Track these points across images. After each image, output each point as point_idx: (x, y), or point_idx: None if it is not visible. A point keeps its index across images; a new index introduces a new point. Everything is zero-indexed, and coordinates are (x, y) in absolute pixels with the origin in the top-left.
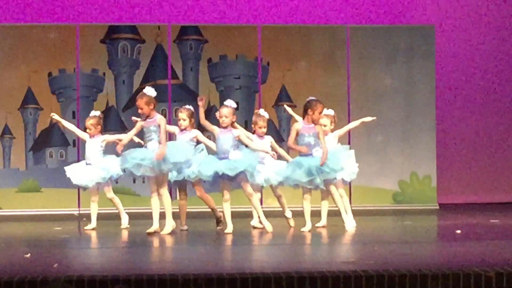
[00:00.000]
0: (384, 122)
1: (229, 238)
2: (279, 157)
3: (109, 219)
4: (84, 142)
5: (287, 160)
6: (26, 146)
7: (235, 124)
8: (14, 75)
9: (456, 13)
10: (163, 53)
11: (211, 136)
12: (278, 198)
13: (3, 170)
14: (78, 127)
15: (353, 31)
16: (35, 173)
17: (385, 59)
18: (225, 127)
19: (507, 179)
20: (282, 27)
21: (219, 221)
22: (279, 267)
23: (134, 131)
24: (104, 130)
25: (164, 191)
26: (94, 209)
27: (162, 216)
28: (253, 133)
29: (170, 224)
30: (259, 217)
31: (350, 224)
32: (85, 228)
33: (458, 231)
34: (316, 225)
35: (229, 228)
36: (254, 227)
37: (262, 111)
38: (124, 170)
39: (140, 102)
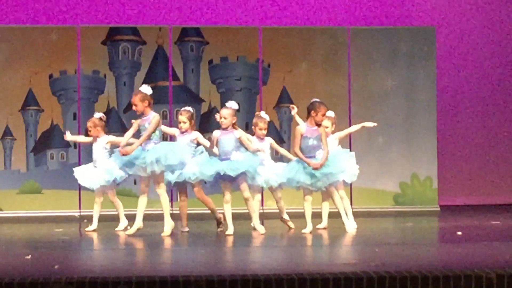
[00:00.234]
0: (385, 124)
1: (230, 240)
2: (280, 158)
3: (110, 221)
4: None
5: (289, 160)
6: (27, 148)
7: (236, 125)
8: (15, 77)
9: (457, 15)
10: (164, 54)
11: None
12: (278, 200)
13: (4, 171)
14: (79, 128)
15: (354, 33)
16: (36, 175)
17: (386, 60)
18: (225, 128)
19: (508, 181)
20: (283, 29)
21: (219, 222)
22: (280, 268)
23: (131, 131)
24: (105, 131)
25: (162, 191)
26: (96, 211)
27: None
28: (253, 135)
29: (169, 224)
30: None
31: (350, 225)
32: (86, 229)
33: (459, 233)
34: (317, 226)
35: (230, 229)
36: (255, 229)
37: (263, 113)
38: (126, 172)
39: (134, 98)
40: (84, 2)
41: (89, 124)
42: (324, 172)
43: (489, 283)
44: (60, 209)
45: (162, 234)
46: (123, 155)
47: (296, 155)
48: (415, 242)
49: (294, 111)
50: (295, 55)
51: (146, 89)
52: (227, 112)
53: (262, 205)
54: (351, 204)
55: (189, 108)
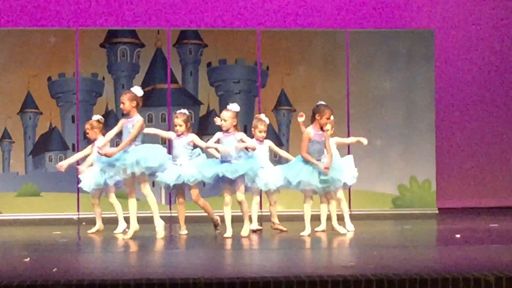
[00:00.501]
0: (384, 126)
1: (228, 242)
2: (279, 160)
3: (109, 223)
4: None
5: (289, 160)
6: (25, 150)
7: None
8: (13, 79)
9: (455, 17)
10: (163, 57)
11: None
12: (272, 204)
13: (3, 174)
14: (77, 130)
15: (353, 36)
16: (34, 178)
17: (384, 63)
18: (226, 131)
19: (507, 184)
20: (282, 32)
21: (216, 224)
22: (278, 271)
23: (115, 130)
24: (104, 134)
25: (148, 191)
26: (96, 212)
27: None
28: (252, 137)
29: (160, 225)
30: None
31: (348, 227)
32: (89, 231)
33: (458, 236)
34: (316, 229)
35: (229, 232)
36: (254, 231)
37: (263, 116)
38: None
39: (123, 97)
40: (82, 5)
41: (87, 126)
42: (334, 177)
43: (487, 286)
44: (59, 212)
45: (157, 237)
46: (103, 155)
47: (305, 158)
48: (413, 245)
49: (301, 119)
50: (294, 58)
51: (137, 90)
52: (228, 114)
53: (260, 207)
54: (349, 206)
55: (185, 111)
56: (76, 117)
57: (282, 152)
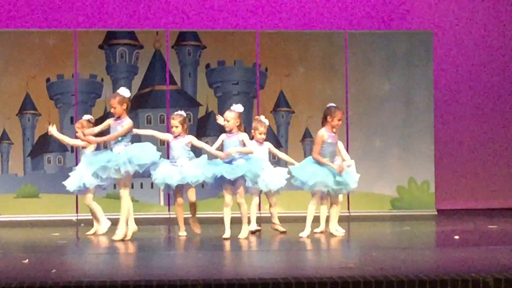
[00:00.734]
0: (383, 127)
1: (227, 244)
2: (278, 162)
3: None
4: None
5: (290, 163)
6: (24, 152)
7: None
8: (12, 81)
9: (454, 19)
10: (161, 58)
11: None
12: (272, 205)
13: (1, 175)
14: (76, 132)
15: (352, 37)
16: (33, 179)
17: (383, 64)
18: (229, 131)
19: (505, 185)
20: (281, 33)
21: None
22: (277, 272)
23: (101, 127)
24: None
25: (125, 194)
26: (97, 210)
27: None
28: (252, 138)
29: (122, 229)
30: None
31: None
32: (87, 233)
33: (456, 237)
34: (315, 230)
35: (227, 233)
36: (253, 232)
37: (262, 118)
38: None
39: (113, 101)
40: (81, 6)
41: (77, 125)
42: (348, 179)
43: (486, 287)
44: (58, 213)
45: (114, 238)
46: (85, 139)
47: (318, 160)
48: (412, 246)
49: None
50: (293, 59)
51: (125, 92)
52: (231, 115)
53: (259, 209)
54: (348, 208)
55: (182, 112)
56: (74, 119)
57: (281, 154)
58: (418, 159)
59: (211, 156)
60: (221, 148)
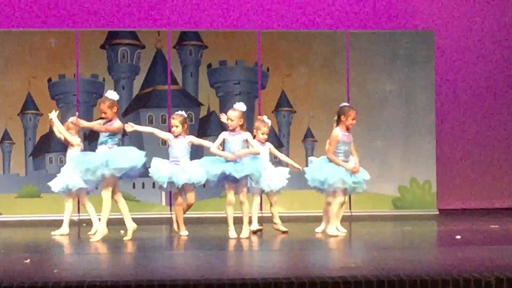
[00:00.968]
0: (384, 127)
1: (229, 244)
2: (279, 162)
3: (108, 224)
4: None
5: (290, 165)
6: (26, 152)
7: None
8: (13, 81)
9: (455, 18)
10: (163, 58)
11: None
12: (273, 205)
13: (3, 175)
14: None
15: (353, 37)
16: (35, 179)
17: (385, 64)
18: (232, 130)
19: (507, 185)
20: (282, 33)
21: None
22: (279, 272)
23: (91, 124)
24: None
25: (106, 197)
26: (90, 211)
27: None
28: (253, 138)
29: (101, 230)
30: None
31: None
32: (52, 233)
33: (458, 237)
34: (316, 230)
35: (232, 232)
36: (254, 232)
37: (265, 118)
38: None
39: (103, 106)
40: (82, 6)
41: (58, 135)
42: (363, 178)
43: (488, 287)
44: (59, 213)
45: (93, 239)
46: (75, 122)
47: (333, 160)
48: (414, 246)
49: None
50: (294, 59)
51: (114, 95)
52: (234, 114)
53: (261, 208)
54: (350, 208)
55: (182, 112)
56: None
57: (282, 156)
58: (419, 159)
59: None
60: (222, 146)
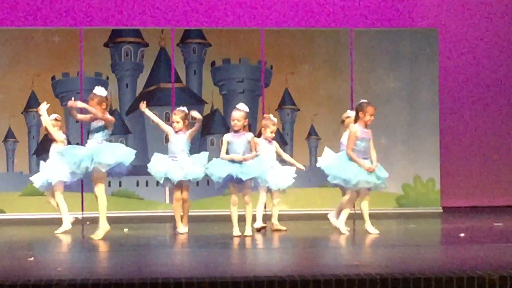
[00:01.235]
0: (388, 125)
1: (232, 242)
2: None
3: (112, 222)
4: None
5: (293, 165)
6: (29, 150)
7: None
8: (17, 79)
9: (459, 16)
10: (167, 56)
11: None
12: (275, 205)
13: (7, 173)
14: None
15: (357, 35)
16: None
17: (388, 62)
18: (237, 131)
19: (511, 183)
20: (286, 31)
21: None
22: (282, 270)
23: (84, 116)
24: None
25: (100, 193)
26: (61, 209)
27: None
28: (259, 136)
29: (103, 228)
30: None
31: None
32: (56, 232)
33: (462, 235)
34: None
35: (236, 231)
36: (258, 230)
37: (272, 117)
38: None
39: (92, 103)
40: (86, 4)
41: (44, 128)
42: (383, 175)
43: (491, 285)
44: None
45: (93, 236)
46: (72, 104)
47: (351, 157)
48: (417, 244)
49: None
50: (298, 57)
51: (102, 91)
52: (240, 114)
53: (265, 207)
54: (353, 206)
55: (184, 108)
56: None
57: (286, 156)
58: (423, 157)
59: (213, 154)
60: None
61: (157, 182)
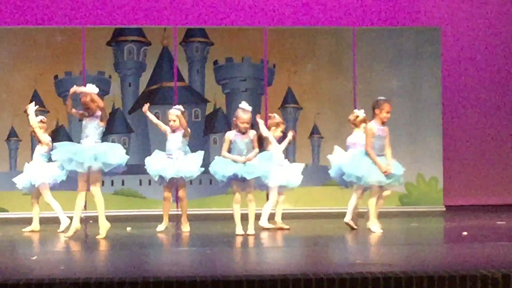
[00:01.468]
0: (390, 124)
1: (234, 241)
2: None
3: (115, 221)
4: None
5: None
6: (32, 149)
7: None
8: (20, 78)
9: (462, 15)
10: (169, 55)
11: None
12: (280, 203)
13: (10, 172)
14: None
15: (359, 33)
16: None
17: (391, 61)
18: (244, 131)
19: None
20: (288, 29)
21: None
22: (285, 269)
23: (75, 112)
24: (110, 132)
25: (97, 191)
26: (34, 211)
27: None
28: (260, 135)
29: (104, 226)
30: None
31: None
32: (58, 230)
33: (465, 233)
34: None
35: (239, 229)
36: (264, 228)
37: (277, 116)
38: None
39: (85, 99)
40: (88, 3)
41: (31, 129)
42: (398, 173)
43: (494, 284)
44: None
45: (98, 237)
46: (75, 90)
47: (370, 155)
48: (420, 243)
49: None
50: (300, 56)
51: (94, 89)
52: (248, 116)
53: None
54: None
55: (180, 107)
56: None
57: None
58: (426, 155)
59: (215, 153)
60: (230, 148)
61: (152, 180)
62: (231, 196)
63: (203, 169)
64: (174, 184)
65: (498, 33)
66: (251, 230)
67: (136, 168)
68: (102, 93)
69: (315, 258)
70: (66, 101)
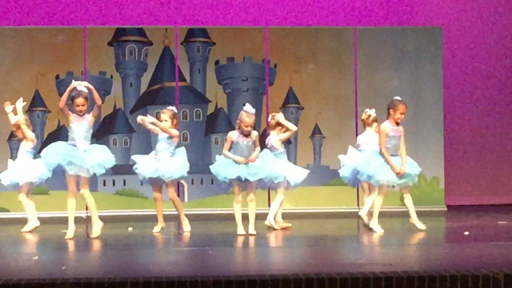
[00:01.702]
0: None
1: (237, 240)
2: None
3: (116, 221)
4: None
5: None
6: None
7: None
8: (21, 78)
9: (463, 14)
10: (171, 55)
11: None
12: (281, 202)
13: None
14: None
15: (361, 33)
16: None
17: (392, 60)
18: (247, 134)
19: None
20: (290, 29)
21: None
22: (287, 269)
23: (67, 114)
24: (112, 132)
25: (87, 192)
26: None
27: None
28: (263, 135)
29: (98, 225)
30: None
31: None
32: (22, 230)
33: (466, 233)
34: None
35: (240, 229)
36: (269, 226)
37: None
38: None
39: (81, 100)
40: (90, 3)
41: (13, 128)
42: (412, 172)
43: (496, 283)
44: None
45: (92, 236)
46: (78, 82)
47: (383, 155)
48: (422, 242)
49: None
50: (302, 56)
51: (83, 88)
52: (253, 119)
53: (268, 205)
54: (358, 204)
55: (172, 108)
56: None
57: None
58: (427, 155)
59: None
60: (232, 148)
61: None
62: (232, 196)
63: (187, 169)
64: (158, 184)
65: (499, 32)
66: (252, 230)
67: None
68: (104, 93)
69: (316, 258)
70: (63, 96)
